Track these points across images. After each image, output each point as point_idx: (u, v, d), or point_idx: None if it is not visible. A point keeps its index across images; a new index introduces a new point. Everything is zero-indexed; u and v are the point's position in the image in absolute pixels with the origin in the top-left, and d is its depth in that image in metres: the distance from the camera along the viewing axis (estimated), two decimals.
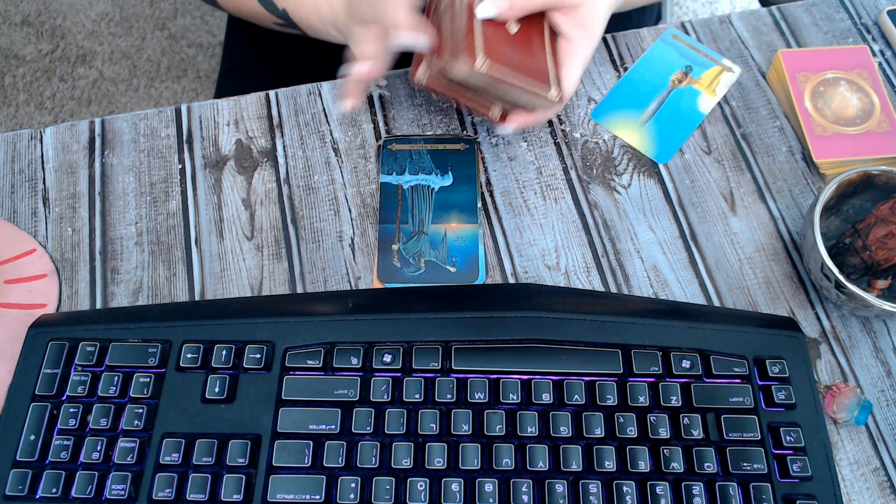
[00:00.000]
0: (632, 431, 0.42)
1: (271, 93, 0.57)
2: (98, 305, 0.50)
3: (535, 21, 0.48)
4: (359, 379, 0.43)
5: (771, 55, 0.61)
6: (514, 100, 0.45)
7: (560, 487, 0.41)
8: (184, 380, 0.43)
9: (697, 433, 0.43)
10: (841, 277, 0.46)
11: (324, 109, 0.57)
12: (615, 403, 0.43)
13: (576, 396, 0.43)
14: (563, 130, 0.57)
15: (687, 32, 0.61)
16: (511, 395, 0.43)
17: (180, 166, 0.55)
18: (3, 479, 0.41)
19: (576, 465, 0.41)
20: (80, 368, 0.44)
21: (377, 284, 0.50)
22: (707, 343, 0.46)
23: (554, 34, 0.50)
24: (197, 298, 0.50)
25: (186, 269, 0.51)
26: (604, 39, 0.61)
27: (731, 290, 0.51)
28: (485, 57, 0.41)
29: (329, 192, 0.54)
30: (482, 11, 0.44)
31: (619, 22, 0.65)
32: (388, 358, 0.43)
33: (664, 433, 0.42)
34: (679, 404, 0.43)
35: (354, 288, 0.50)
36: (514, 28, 0.45)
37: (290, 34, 0.59)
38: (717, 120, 0.58)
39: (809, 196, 0.55)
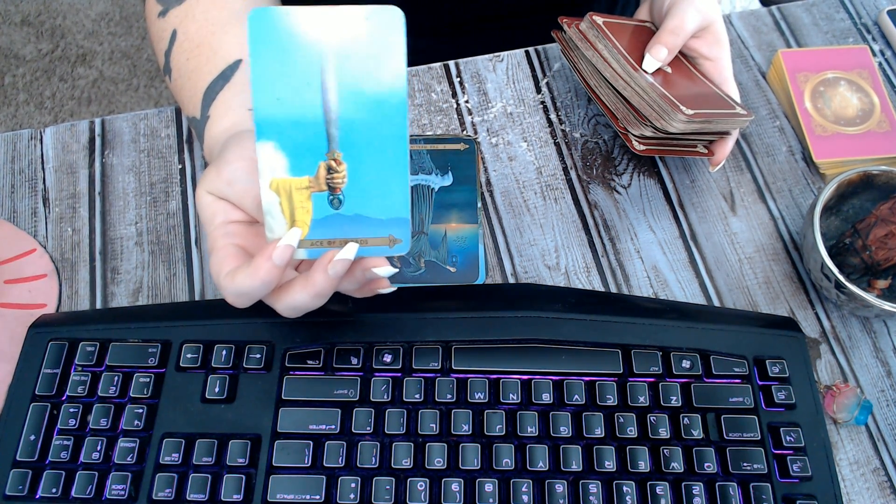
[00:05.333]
0: (632, 431, 0.42)
1: None
2: (98, 305, 0.50)
3: (675, 60, 0.53)
4: (359, 379, 0.43)
5: (771, 55, 0.61)
6: (718, 129, 0.50)
7: (560, 487, 0.41)
8: (184, 380, 0.43)
9: (697, 433, 0.43)
10: (841, 277, 0.46)
11: None
12: (615, 403, 0.43)
13: (576, 396, 0.43)
14: (563, 130, 0.57)
15: None
16: (511, 395, 0.43)
17: (180, 166, 0.55)
18: (3, 479, 0.41)
19: (576, 465, 0.41)
20: (80, 368, 0.44)
21: None
22: (707, 343, 0.46)
23: (688, 60, 0.54)
24: (197, 298, 0.50)
25: (186, 269, 0.51)
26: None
27: (731, 290, 0.51)
28: (687, 106, 0.47)
29: None
30: (650, 66, 0.50)
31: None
32: (388, 358, 0.43)
33: (664, 433, 0.42)
34: (679, 404, 0.43)
35: None
36: (669, 70, 0.51)
37: None
38: None
39: (809, 196, 0.55)
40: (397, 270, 0.38)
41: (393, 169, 0.35)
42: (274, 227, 0.36)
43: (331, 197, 0.35)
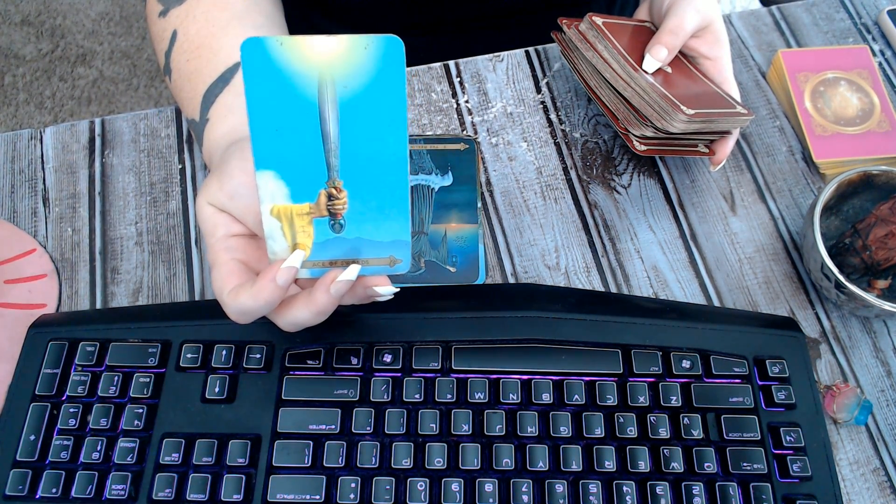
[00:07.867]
0: (632, 431, 0.42)
1: None
2: (98, 305, 0.50)
3: (675, 59, 0.53)
4: (359, 379, 0.43)
5: (771, 55, 0.61)
6: (719, 129, 0.50)
7: (560, 487, 0.41)
8: (184, 380, 0.43)
9: (697, 433, 0.43)
10: (841, 277, 0.46)
11: None
12: (615, 403, 0.43)
13: (576, 396, 0.43)
14: (563, 130, 0.57)
15: None
16: (511, 395, 0.43)
17: (180, 166, 0.55)
18: (3, 479, 0.41)
19: (576, 465, 0.41)
20: (80, 368, 0.44)
21: None
22: (707, 343, 0.46)
23: (688, 59, 0.54)
24: (197, 298, 0.50)
25: (186, 269, 0.51)
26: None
27: (731, 290, 0.51)
28: (688, 106, 0.47)
29: None
30: (650, 66, 0.50)
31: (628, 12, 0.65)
32: (388, 358, 0.43)
33: (664, 433, 0.42)
34: (679, 404, 0.43)
35: None
36: (669, 70, 0.51)
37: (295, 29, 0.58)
38: None
39: (809, 196, 0.55)
40: (399, 291, 0.38)
41: (393, 195, 0.35)
42: (276, 249, 0.36)
43: (332, 222, 0.36)
